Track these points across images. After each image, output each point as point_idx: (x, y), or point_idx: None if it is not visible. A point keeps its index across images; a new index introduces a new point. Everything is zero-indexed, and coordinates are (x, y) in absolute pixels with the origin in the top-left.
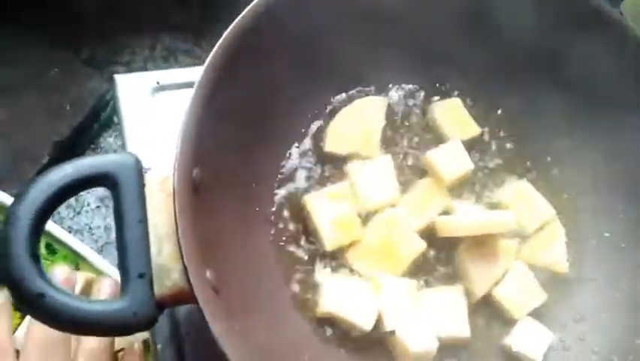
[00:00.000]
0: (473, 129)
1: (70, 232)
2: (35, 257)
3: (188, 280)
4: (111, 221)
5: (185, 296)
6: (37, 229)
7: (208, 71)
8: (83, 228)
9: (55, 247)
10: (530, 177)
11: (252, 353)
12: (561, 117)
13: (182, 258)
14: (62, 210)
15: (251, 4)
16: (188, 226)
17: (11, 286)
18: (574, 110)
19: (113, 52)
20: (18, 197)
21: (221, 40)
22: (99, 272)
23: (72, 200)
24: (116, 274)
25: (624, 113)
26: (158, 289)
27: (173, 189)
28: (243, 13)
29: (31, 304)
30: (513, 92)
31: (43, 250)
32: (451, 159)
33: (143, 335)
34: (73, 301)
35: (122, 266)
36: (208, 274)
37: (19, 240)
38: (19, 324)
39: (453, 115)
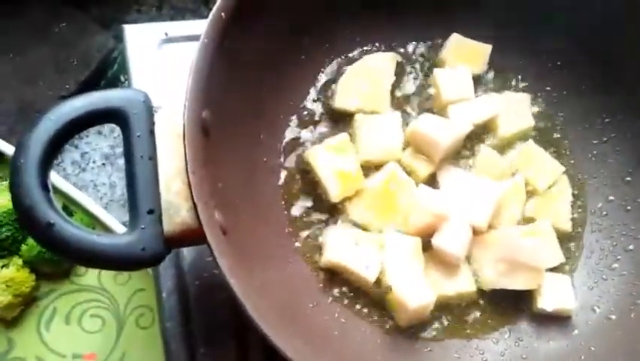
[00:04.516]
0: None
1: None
2: (45, 187)
3: (198, 218)
4: (116, 179)
5: (194, 234)
6: (47, 159)
7: (218, 13)
8: (88, 184)
9: (71, 209)
10: (536, 140)
11: (256, 290)
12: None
13: (191, 195)
14: (68, 166)
15: None
16: (198, 164)
17: (21, 214)
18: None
19: (120, 10)
20: (30, 128)
21: None
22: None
23: (78, 156)
24: None
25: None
26: (167, 226)
27: (183, 128)
28: None
29: (41, 232)
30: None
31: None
32: (454, 82)
33: None
34: (82, 232)
35: (132, 202)
36: (216, 215)
37: (29, 168)
38: (33, 286)
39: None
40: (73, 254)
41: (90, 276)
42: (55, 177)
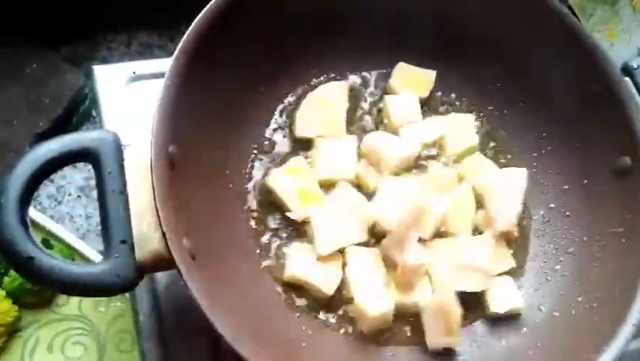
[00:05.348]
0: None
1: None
2: (24, 223)
3: (167, 246)
4: (91, 210)
5: (164, 261)
6: (25, 198)
7: (178, 57)
8: (65, 216)
9: (51, 242)
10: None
11: (226, 310)
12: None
13: (160, 226)
14: (44, 200)
15: None
16: (165, 196)
17: (3, 250)
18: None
19: (90, 48)
20: (9, 169)
21: (192, 26)
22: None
23: (54, 190)
24: None
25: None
26: (140, 254)
27: (151, 163)
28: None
29: (22, 266)
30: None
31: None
32: (403, 107)
33: None
34: (61, 263)
35: (105, 233)
36: (185, 241)
37: (9, 208)
38: (16, 317)
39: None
40: (52, 283)
41: (71, 305)
42: (33, 213)
